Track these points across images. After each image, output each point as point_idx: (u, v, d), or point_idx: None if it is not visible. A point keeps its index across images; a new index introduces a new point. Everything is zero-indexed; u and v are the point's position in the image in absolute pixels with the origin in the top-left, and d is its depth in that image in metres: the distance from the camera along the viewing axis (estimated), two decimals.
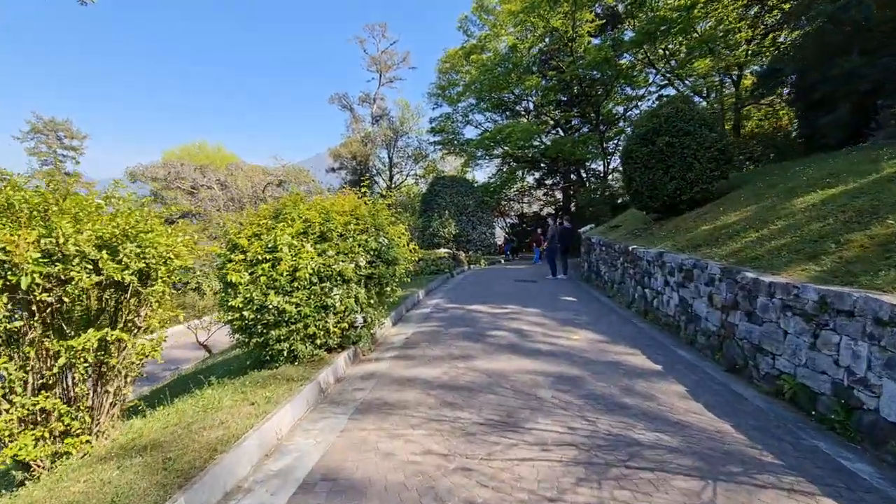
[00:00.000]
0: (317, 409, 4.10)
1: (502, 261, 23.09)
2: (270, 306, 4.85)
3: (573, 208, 32.89)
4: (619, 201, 28.94)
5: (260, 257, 5.07)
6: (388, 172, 36.43)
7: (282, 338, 4.93)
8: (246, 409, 3.79)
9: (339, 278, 5.31)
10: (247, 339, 5.04)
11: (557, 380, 4.52)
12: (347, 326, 5.48)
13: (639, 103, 28.89)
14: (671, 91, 26.77)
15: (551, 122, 30.03)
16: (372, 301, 5.87)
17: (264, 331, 4.94)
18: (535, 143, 28.85)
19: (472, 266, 18.15)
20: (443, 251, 17.31)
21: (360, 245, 5.70)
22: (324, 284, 5.20)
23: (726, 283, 5.38)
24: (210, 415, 3.76)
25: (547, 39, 27.06)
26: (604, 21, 25.88)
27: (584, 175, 31.28)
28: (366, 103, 36.60)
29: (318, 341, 5.13)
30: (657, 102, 27.88)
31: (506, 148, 30.17)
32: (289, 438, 3.51)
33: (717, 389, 4.39)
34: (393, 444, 3.27)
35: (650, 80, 27.40)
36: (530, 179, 35.79)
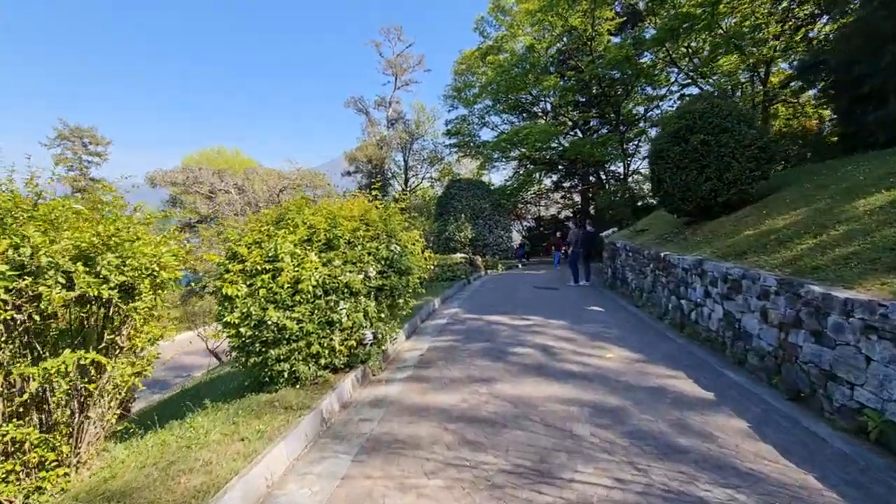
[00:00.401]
0: (317, 444, 3.54)
1: (519, 265, 22.41)
2: (270, 322, 4.33)
3: (592, 211, 32.05)
4: (639, 204, 28.03)
5: (259, 267, 4.56)
6: (403, 176, 36.02)
7: (282, 357, 4.40)
8: (235, 446, 3.26)
9: (346, 291, 4.77)
10: (244, 359, 4.53)
11: (595, 411, 3.89)
12: (355, 344, 4.93)
13: (660, 103, 28.00)
14: (693, 90, 25.85)
15: (569, 123, 29.27)
16: (383, 315, 5.32)
17: (263, 349, 4.42)
18: (553, 144, 28.10)
19: (489, 271, 17.53)
20: (459, 256, 16.73)
21: (369, 253, 5.16)
22: (329, 298, 4.67)
23: (785, 298, 4.68)
24: (194, 452, 3.24)
25: (565, 39, 26.37)
26: (624, 19, 25.08)
27: (603, 177, 30.42)
28: (381, 107, 36.31)
29: (323, 361, 4.59)
30: (679, 102, 27.18)
31: (523, 150, 29.48)
32: (281, 486, 2.95)
33: (785, 426, 3.70)
34: (403, 499, 2.69)
35: (671, 80, 26.50)
36: (547, 182, 35.01)
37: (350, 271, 4.86)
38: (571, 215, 36.08)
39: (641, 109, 29.32)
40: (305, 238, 4.86)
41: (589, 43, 25.72)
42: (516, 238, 31.26)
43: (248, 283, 4.49)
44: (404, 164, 35.53)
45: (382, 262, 5.26)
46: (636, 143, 29.41)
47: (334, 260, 4.81)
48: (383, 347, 5.51)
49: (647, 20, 24.95)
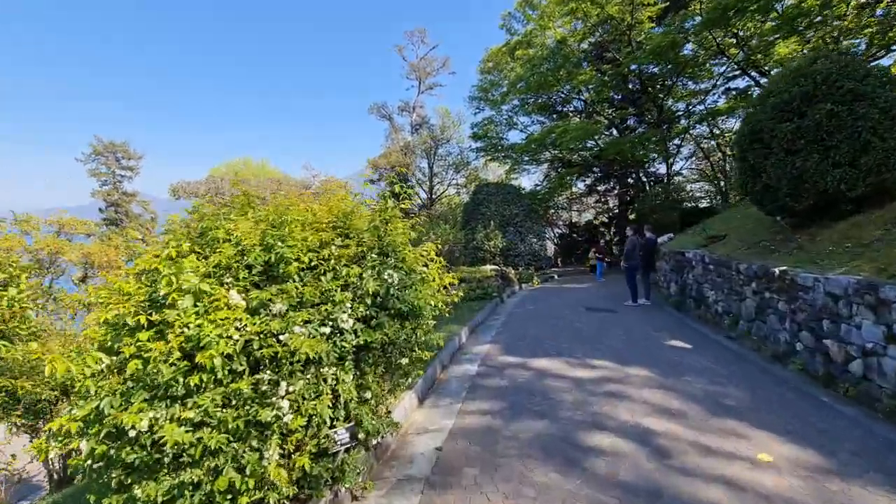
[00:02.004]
0: None
1: (556, 276, 19.81)
2: (135, 432, 2.12)
3: (632, 216, 29.09)
4: (687, 206, 25.04)
5: (132, 321, 2.38)
6: (428, 183, 33.94)
7: (160, 500, 2.17)
8: None
9: (294, 360, 2.52)
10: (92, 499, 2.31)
11: None
12: (315, 453, 2.66)
13: (704, 98, 25.00)
14: (740, 83, 22.89)
15: (605, 122, 26.54)
16: (371, 392, 3.03)
17: (124, 482, 2.22)
18: (589, 144, 25.47)
19: (523, 285, 15.07)
20: (489, 269, 14.34)
21: (345, 286, 2.92)
22: (259, 376, 2.43)
23: None
24: None
25: (600, 30, 23.79)
26: (667, 4, 22.31)
27: (643, 179, 27.48)
28: (405, 112, 34.40)
29: (244, 500, 2.33)
30: (724, 97, 24.18)
31: (555, 152, 26.95)
32: None
33: None
34: None
35: (715, 73, 23.60)
36: (581, 185, 32.25)
37: (305, 322, 2.61)
38: (607, 221, 33.18)
39: (682, 106, 26.43)
40: (226, 265, 2.66)
41: (628, 33, 23.09)
42: (549, 247, 28.56)
43: (115, 348, 2.31)
44: (429, 170, 33.45)
45: (369, 302, 2.99)
46: (678, 141, 26.45)
47: (274, 303, 2.57)
48: (374, 441, 3.20)
49: (692, 5, 22.16)
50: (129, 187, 43.35)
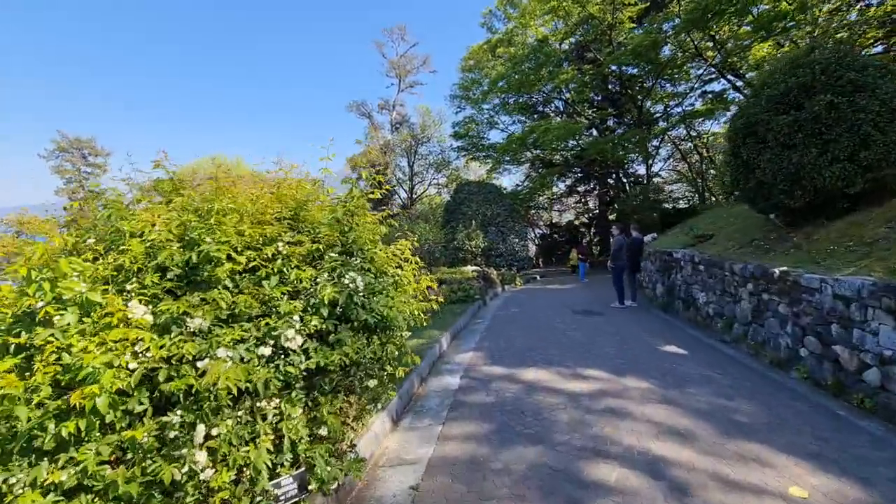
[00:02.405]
0: None
1: (538, 277, 19.41)
2: None
3: (611, 216, 29.00)
4: (667, 207, 25.02)
5: None
6: (409, 182, 33.28)
7: None
8: None
9: (216, 395, 1.89)
10: None
11: None
12: None
13: (682, 101, 25.05)
14: (716, 87, 23.01)
15: (586, 122, 26.34)
16: (329, 426, 2.42)
17: None
18: (570, 143, 25.22)
19: (506, 286, 14.56)
20: (471, 270, 13.79)
21: (293, 294, 2.31)
22: (167, 419, 1.80)
23: None
24: None
25: (582, 29, 23.54)
26: (647, 4, 22.21)
27: (623, 180, 27.38)
28: (385, 110, 33.68)
29: None
30: (701, 100, 24.26)
31: (536, 152, 26.63)
32: None
33: None
34: None
35: (692, 76, 23.69)
36: (561, 186, 32.07)
37: (237, 342, 1.99)
38: (587, 221, 33.10)
39: (661, 108, 26.48)
40: (133, 267, 2.01)
41: (608, 32, 22.91)
42: (530, 247, 28.19)
43: None
44: (410, 169, 32.78)
45: (325, 312, 2.37)
46: (656, 143, 26.42)
47: (192, 317, 1.94)
48: (331, 487, 2.58)
49: (672, 5, 22.10)
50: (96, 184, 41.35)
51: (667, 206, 24.36)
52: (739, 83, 20.89)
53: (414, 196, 33.33)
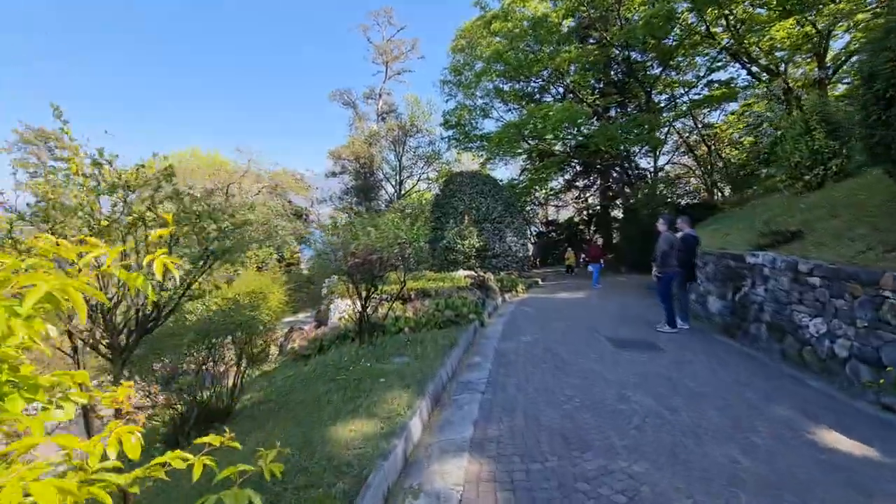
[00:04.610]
0: None
1: (540, 281, 16.47)
2: None
3: (621, 213, 26.19)
4: (684, 202, 22.25)
5: None
6: (396, 177, 30.21)
7: None
8: None
9: None
10: None
11: None
12: None
13: (689, 90, 22.28)
14: (721, 76, 20.36)
15: (589, 110, 23.44)
16: None
17: None
18: (571, 133, 22.32)
19: (506, 295, 11.58)
20: (463, 276, 10.81)
21: None
22: None
23: None
24: None
25: (586, 5, 20.61)
26: None
27: (628, 173, 24.53)
28: (371, 99, 30.60)
29: None
30: (707, 90, 21.51)
31: (533, 142, 23.70)
32: None
33: None
34: None
35: (699, 63, 21.03)
36: (559, 181, 29.19)
37: None
38: (587, 219, 30.27)
39: (666, 97, 23.69)
40: None
41: (616, 8, 20.06)
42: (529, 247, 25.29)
43: None
44: (398, 163, 29.71)
45: None
46: (660, 135, 23.53)
47: None
48: None
49: None
50: (61, 178, 37.86)
51: (683, 201, 21.62)
52: (755, 68, 18.27)
53: (402, 192, 30.30)
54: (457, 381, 4.88)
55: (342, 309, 7.95)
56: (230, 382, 4.96)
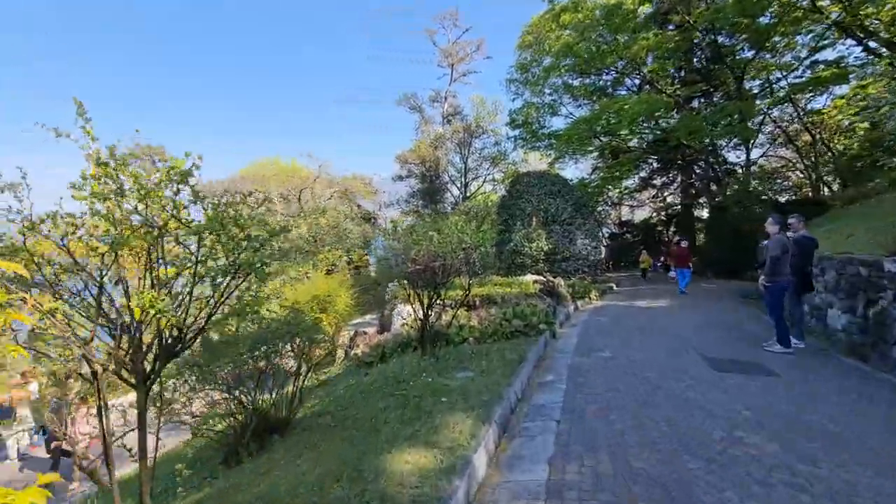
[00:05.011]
0: None
1: (614, 287, 15.29)
2: None
3: (706, 213, 23.96)
4: (783, 199, 19.78)
5: None
6: (462, 179, 29.95)
7: None
8: None
9: None
10: None
11: None
12: None
13: (787, 74, 19.63)
14: (831, 54, 17.56)
15: (669, 101, 21.59)
16: None
17: None
18: (648, 127, 20.70)
19: (578, 302, 10.73)
20: (531, 280, 10.15)
21: None
22: None
23: None
24: None
25: None
26: None
27: (715, 168, 22.27)
28: (436, 102, 30.60)
29: None
30: (809, 72, 18.76)
31: (605, 139, 22.29)
32: None
33: None
34: None
35: (799, 43, 18.44)
36: (635, 179, 27.29)
37: None
38: (665, 219, 27.99)
39: (759, 82, 21.10)
40: None
41: None
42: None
43: None
44: (463, 165, 29.43)
45: None
46: (756, 122, 20.98)
47: None
48: None
49: None
50: (165, 191, 42.26)
51: (782, 198, 19.18)
52: (872, 43, 15.61)
53: (468, 194, 29.98)
54: (527, 403, 4.32)
55: (405, 315, 7.68)
56: (290, 389, 4.81)
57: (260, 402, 4.42)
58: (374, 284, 21.46)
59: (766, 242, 6.49)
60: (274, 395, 4.66)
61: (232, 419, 4.34)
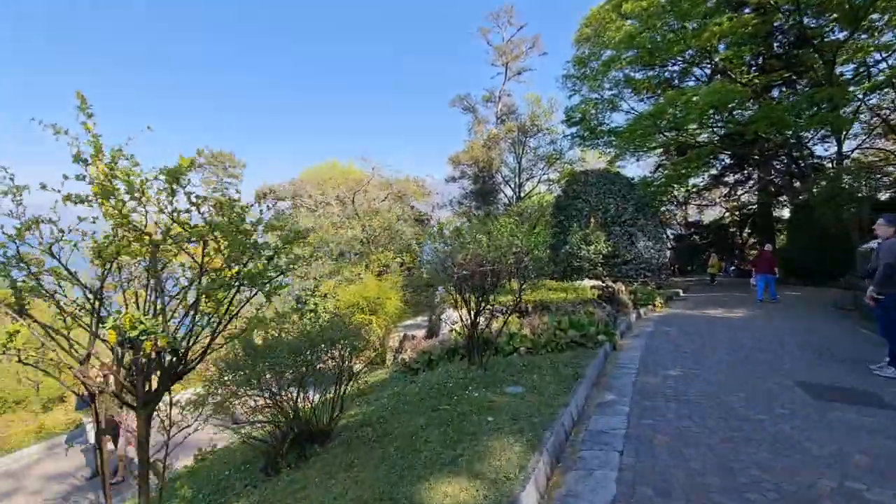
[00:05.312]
0: None
1: (681, 293, 14.09)
2: None
3: (787, 211, 21.74)
4: (881, 198, 17.41)
5: None
6: (515, 180, 29.27)
7: None
8: None
9: None
10: None
11: None
12: None
13: (888, 55, 17.21)
14: None
15: (746, 90, 19.72)
16: None
17: None
18: (721, 119, 19.03)
19: (641, 310, 9.89)
20: (588, 286, 9.48)
21: None
22: None
23: None
24: None
25: None
26: None
27: (800, 163, 20.07)
28: (490, 102, 30.15)
29: None
30: None
31: (671, 134, 20.77)
32: None
33: None
34: None
35: None
36: (703, 177, 25.28)
37: None
38: (739, 219, 25.67)
39: (853, 67, 18.64)
40: None
41: None
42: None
43: None
44: (517, 165, 28.76)
45: None
46: (849, 111, 18.54)
47: None
48: None
49: None
50: (234, 194, 44.93)
51: (879, 195, 16.83)
52: None
53: (521, 194, 29.25)
54: (584, 426, 3.84)
55: (453, 320, 7.35)
56: (331, 397, 4.63)
57: (300, 410, 4.26)
58: (426, 286, 21.41)
59: (874, 246, 5.52)
60: (316, 402, 4.50)
61: (273, 426, 4.22)
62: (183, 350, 2.33)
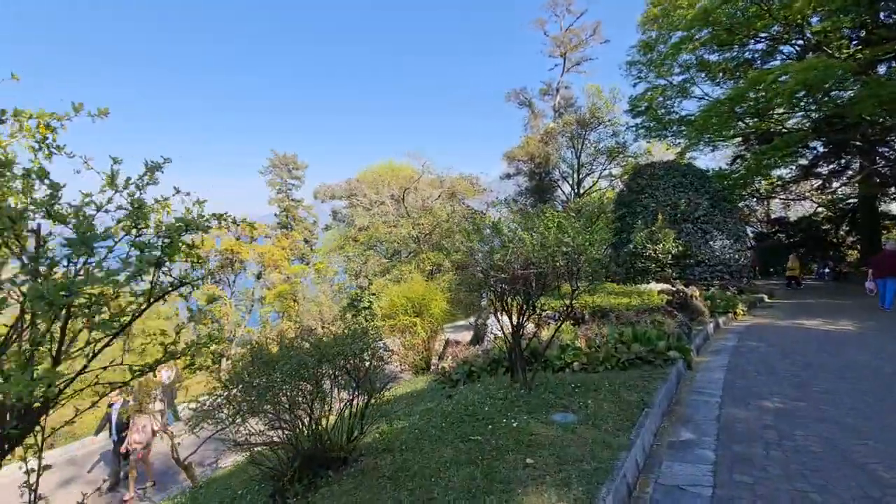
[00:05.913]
0: None
1: (765, 298, 12.26)
2: None
3: (884, 205, 18.68)
4: None
5: None
6: (574, 176, 27.68)
7: None
8: None
9: None
10: None
11: None
12: None
13: None
14: None
15: (848, 65, 17.01)
16: None
17: None
18: (812, 102, 16.56)
19: (719, 318, 8.50)
20: (656, 290, 8.28)
21: None
22: None
23: None
24: None
25: None
26: None
27: None
28: (547, 95, 28.78)
29: None
30: None
31: (752, 121, 18.46)
32: None
33: None
34: None
35: None
36: (790, 168, 22.34)
37: None
38: (835, 215, 22.46)
39: None
40: None
41: None
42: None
43: None
44: (576, 160, 27.17)
45: None
46: None
47: None
48: None
49: None
50: (296, 194, 46.93)
51: None
52: None
53: (581, 191, 27.62)
54: (653, 478, 2.95)
55: (497, 327, 6.59)
56: (349, 412, 4.06)
57: (305, 430, 3.72)
58: (479, 286, 20.69)
59: None
60: (330, 422, 3.95)
61: (280, 451, 3.72)
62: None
